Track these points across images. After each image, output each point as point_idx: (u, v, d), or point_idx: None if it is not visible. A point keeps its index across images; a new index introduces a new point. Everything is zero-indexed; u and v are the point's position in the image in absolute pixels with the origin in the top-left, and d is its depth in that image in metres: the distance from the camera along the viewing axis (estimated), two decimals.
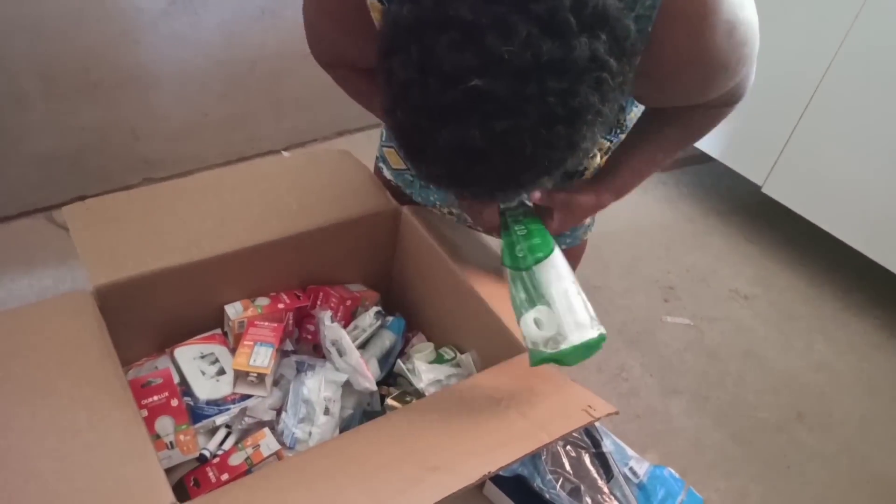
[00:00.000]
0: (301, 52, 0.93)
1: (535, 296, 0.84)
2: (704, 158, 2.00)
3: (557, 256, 0.86)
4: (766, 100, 1.70)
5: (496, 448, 0.80)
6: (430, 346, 1.17)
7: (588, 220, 1.15)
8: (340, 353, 1.11)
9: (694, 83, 0.76)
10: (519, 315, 0.85)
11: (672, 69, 0.72)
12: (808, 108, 1.62)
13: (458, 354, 1.14)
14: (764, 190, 1.75)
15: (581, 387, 0.92)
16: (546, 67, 0.54)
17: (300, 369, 1.09)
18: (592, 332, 0.81)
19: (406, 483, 0.75)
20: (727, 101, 0.85)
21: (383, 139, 1.18)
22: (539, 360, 0.83)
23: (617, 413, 0.92)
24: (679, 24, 0.66)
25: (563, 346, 0.81)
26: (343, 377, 1.09)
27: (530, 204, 0.91)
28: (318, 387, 1.06)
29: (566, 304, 0.82)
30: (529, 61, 0.53)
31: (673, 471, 1.16)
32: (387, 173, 1.20)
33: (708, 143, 1.86)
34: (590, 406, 0.86)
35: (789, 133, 1.66)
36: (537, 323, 0.82)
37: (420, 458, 0.79)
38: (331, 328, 1.12)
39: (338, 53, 0.91)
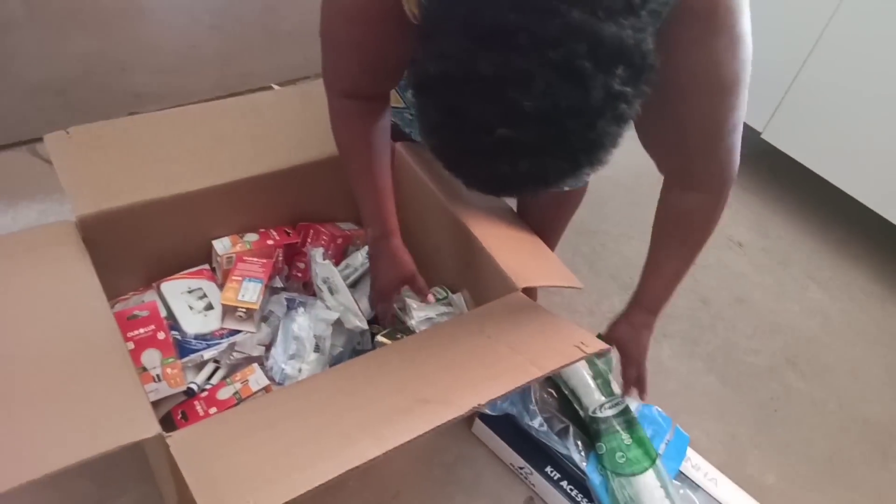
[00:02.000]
0: None
1: (633, 499, 1.00)
2: None
3: (655, 470, 1.03)
4: (769, 45, 1.65)
5: (487, 381, 0.79)
6: None
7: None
8: (332, 291, 1.10)
9: (699, 97, 0.80)
10: None
11: (680, 75, 0.75)
12: (811, 54, 1.58)
13: (450, 294, 1.13)
14: (764, 136, 1.72)
15: (574, 324, 0.92)
16: (565, 112, 0.58)
17: (290, 306, 1.08)
18: None
19: (397, 413, 0.74)
20: (720, 182, 0.95)
21: None
22: None
23: (609, 350, 0.91)
24: (691, 20, 0.71)
25: None
26: (334, 315, 1.07)
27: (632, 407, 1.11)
28: (308, 324, 1.05)
29: None
30: (549, 109, 0.57)
31: (661, 410, 1.16)
32: None
33: None
34: (582, 342, 0.85)
35: (792, 79, 1.63)
36: None
37: (410, 390, 0.78)
38: (322, 266, 1.10)
39: (353, 76, 0.90)
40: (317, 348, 1.06)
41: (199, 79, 1.63)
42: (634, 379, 1.08)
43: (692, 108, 0.82)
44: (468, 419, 1.15)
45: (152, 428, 0.71)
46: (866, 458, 1.27)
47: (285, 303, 1.10)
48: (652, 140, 0.90)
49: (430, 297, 1.06)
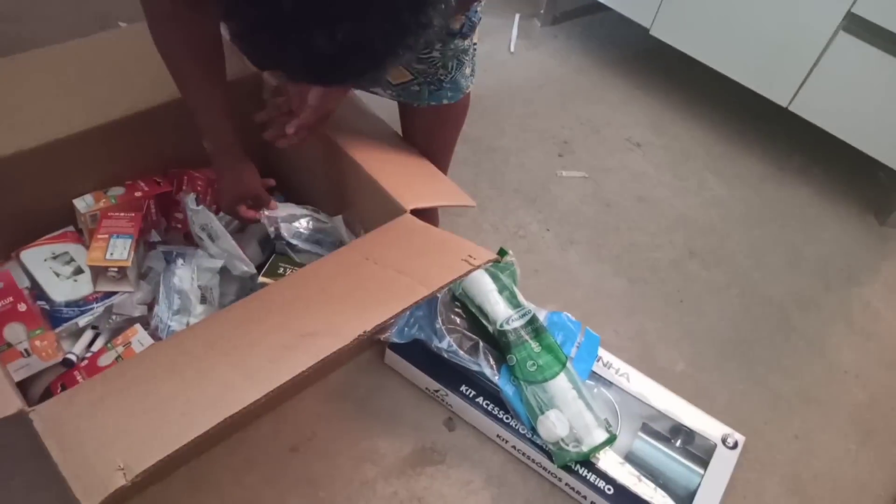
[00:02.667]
0: None
1: (548, 404, 1.00)
2: (593, 8, 1.93)
3: (566, 373, 1.03)
4: None
5: (374, 307, 0.75)
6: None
7: (468, 71, 1.07)
8: (213, 238, 1.03)
9: None
10: (535, 419, 1.00)
11: None
12: None
13: (327, 217, 1.08)
14: (652, 32, 1.71)
15: (462, 239, 0.89)
16: None
17: (168, 259, 1.01)
18: (603, 433, 1.00)
19: (279, 351, 0.70)
20: None
21: None
22: (564, 461, 0.99)
23: (499, 260, 0.89)
24: None
25: (584, 449, 0.98)
26: (218, 263, 1.01)
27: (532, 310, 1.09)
28: (190, 275, 0.99)
29: (575, 410, 1.00)
30: None
31: (570, 315, 1.17)
32: None
33: None
34: (470, 255, 0.82)
35: None
36: (554, 425, 0.98)
37: (294, 326, 0.74)
38: (198, 212, 1.03)
39: None
40: (203, 300, 1.00)
41: (48, 23, 1.48)
42: None
43: None
44: (379, 351, 1.13)
45: (13, 405, 0.65)
46: (769, 334, 1.33)
47: (163, 257, 1.03)
48: None
49: (273, 204, 1.01)
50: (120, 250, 0.94)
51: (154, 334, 0.95)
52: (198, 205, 1.01)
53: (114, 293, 0.96)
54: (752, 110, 1.76)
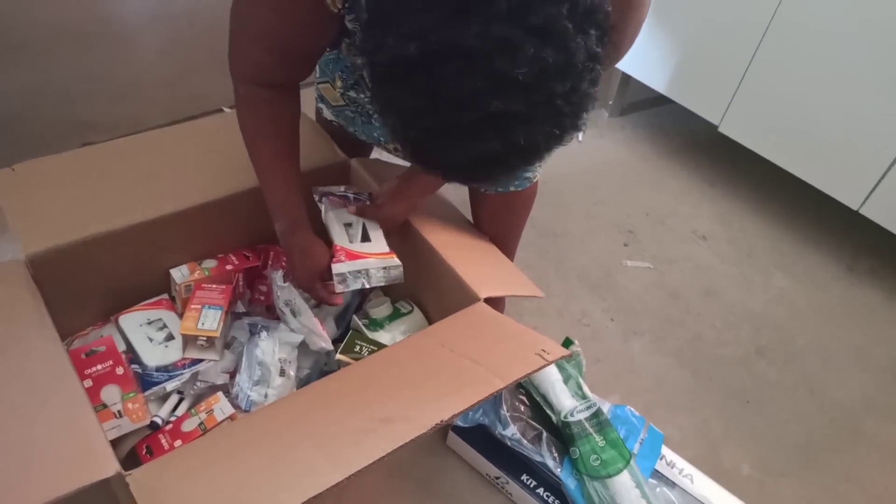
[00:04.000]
0: None
1: (609, 501, 1.01)
2: (661, 101, 1.99)
3: (630, 470, 1.03)
4: (720, 36, 1.68)
5: (449, 396, 0.78)
6: (387, 300, 1.15)
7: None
8: (294, 314, 1.09)
9: None
10: None
11: None
12: (761, 44, 1.60)
13: (415, 307, 1.12)
14: (720, 129, 1.74)
15: (535, 332, 0.91)
16: (552, 77, 0.57)
17: (253, 331, 1.07)
18: None
19: (358, 435, 0.73)
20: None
21: (317, 76, 1.12)
22: None
23: (570, 355, 0.91)
24: None
25: None
26: (298, 338, 1.06)
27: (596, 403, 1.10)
28: (272, 348, 1.04)
29: None
30: (537, 75, 0.56)
31: (633, 409, 1.16)
32: (326, 113, 1.16)
33: (664, 84, 1.83)
34: (543, 350, 0.85)
35: (744, 70, 1.65)
36: None
37: (372, 410, 0.77)
38: (283, 288, 1.09)
39: (261, 63, 0.87)
40: (282, 373, 1.04)
41: (150, 105, 1.61)
42: None
43: None
44: (442, 432, 1.15)
45: (111, 467, 0.70)
46: (838, 440, 1.29)
47: (248, 328, 1.08)
48: None
49: (339, 300, 1.01)
50: (211, 321, 1.00)
51: (234, 402, 0.99)
52: (284, 281, 1.07)
53: (200, 360, 1.01)
54: (822, 209, 1.76)
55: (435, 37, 0.56)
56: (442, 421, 0.74)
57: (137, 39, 1.52)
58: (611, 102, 2.08)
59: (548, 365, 0.83)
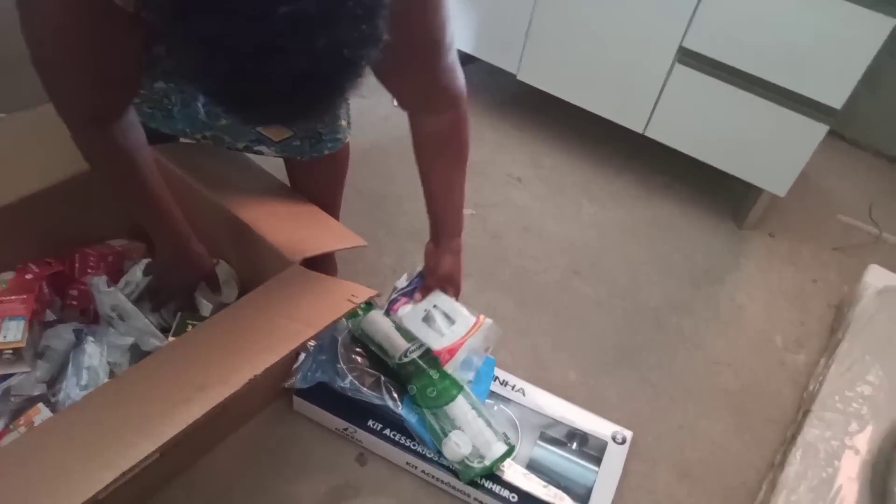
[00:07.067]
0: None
1: (450, 425, 1.08)
2: (465, 60, 2.08)
3: (464, 395, 1.11)
4: None
5: (263, 353, 0.82)
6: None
7: (344, 123, 1.17)
8: (123, 318, 1.07)
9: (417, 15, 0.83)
10: (439, 442, 1.08)
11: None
12: None
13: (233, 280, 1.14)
14: (519, 77, 1.87)
15: (347, 281, 0.96)
16: None
17: (79, 337, 1.04)
18: (502, 446, 1.08)
19: (174, 406, 0.75)
20: (455, 97, 1.04)
21: None
22: (470, 477, 1.06)
23: (379, 295, 0.97)
24: None
25: (487, 463, 1.06)
26: (128, 340, 1.06)
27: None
28: (99, 351, 1.03)
29: (476, 428, 1.08)
30: None
31: None
32: None
33: (469, 44, 1.93)
34: (352, 295, 0.90)
35: (529, 17, 1.76)
36: (457, 445, 1.06)
37: (188, 380, 0.79)
38: (108, 294, 1.07)
39: (87, 94, 0.83)
40: (111, 375, 1.03)
41: None
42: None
43: (413, 27, 0.84)
44: (288, 400, 1.18)
45: None
46: (646, 338, 1.46)
47: (73, 335, 1.05)
48: (385, 74, 0.92)
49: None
50: (14, 332, 0.96)
51: (60, 410, 0.97)
52: (108, 287, 1.05)
53: (10, 375, 0.97)
54: (615, 138, 1.93)
55: None
56: (255, 376, 0.78)
57: None
58: None
59: (355, 307, 0.88)
